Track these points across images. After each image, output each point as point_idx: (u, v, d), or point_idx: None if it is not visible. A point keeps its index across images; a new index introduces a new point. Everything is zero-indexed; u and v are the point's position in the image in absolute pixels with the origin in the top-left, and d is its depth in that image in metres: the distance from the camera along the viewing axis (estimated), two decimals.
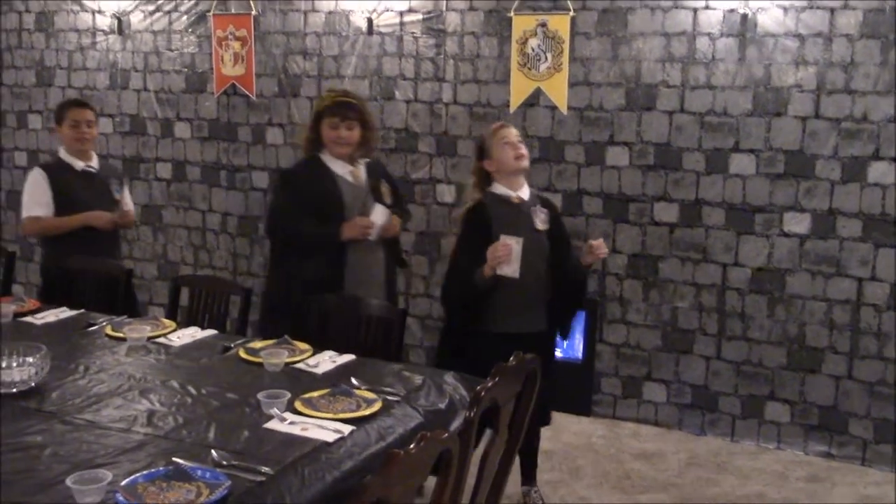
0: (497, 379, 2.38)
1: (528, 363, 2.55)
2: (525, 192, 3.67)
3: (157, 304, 6.11)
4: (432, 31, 5.20)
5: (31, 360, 2.75)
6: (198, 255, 6.06)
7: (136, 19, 6.01)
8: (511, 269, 3.40)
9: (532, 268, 3.50)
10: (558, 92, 4.92)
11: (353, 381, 2.87)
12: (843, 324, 4.54)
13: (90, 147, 4.53)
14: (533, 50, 4.95)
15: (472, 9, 5.09)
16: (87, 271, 4.16)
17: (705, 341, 4.83)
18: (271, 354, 3.05)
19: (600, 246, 3.57)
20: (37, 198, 4.34)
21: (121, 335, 3.31)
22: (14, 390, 2.69)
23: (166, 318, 3.64)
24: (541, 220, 3.57)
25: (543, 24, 4.91)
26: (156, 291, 6.19)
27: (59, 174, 4.40)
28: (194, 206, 6.02)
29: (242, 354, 3.13)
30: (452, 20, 5.14)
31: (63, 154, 4.49)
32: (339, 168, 3.85)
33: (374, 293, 3.79)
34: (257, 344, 3.23)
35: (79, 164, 4.47)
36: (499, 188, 3.64)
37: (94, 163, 4.55)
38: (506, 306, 3.55)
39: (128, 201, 4.70)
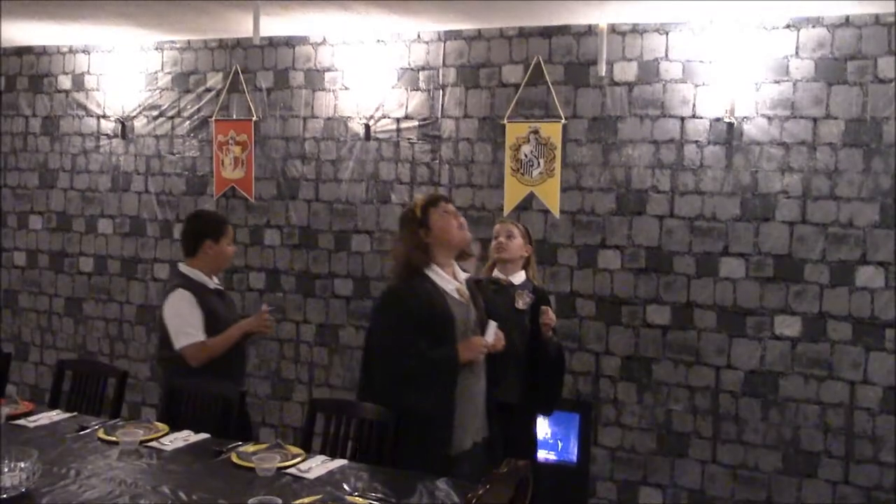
0: (489, 486, 2.39)
1: (519, 470, 2.56)
2: (517, 278, 4.14)
3: (151, 405, 6.09)
4: (428, 137, 5.35)
5: (22, 465, 2.74)
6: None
7: (140, 124, 6.17)
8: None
9: (508, 342, 3.65)
10: (551, 196, 5.03)
11: (345, 486, 2.86)
12: (838, 427, 4.53)
13: None
14: (526, 156, 5.08)
15: (466, 116, 5.25)
16: (203, 394, 3.81)
17: (700, 445, 4.81)
18: (263, 459, 3.05)
19: (546, 311, 3.96)
20: (192, 322, 3.95)
21: (113, 439, 3.30)
22: (4, 496, 2.68)
23: (159, 420, 3.63)
24: (522, 301, 3.98)
25: (536, 131, 5.05)
26: (148, 392, 6.16)
27: (201, 295, 4.04)
28: None
29: (234, 459, 3.12)
30: (447, 126, 5.30)
31: (194, 273, 4.10)
32: (447, 284, 3.44)
33: (479, 418, 3.49)
34: (249, 448, 3.23)
35: (211, 283, 4.15)
36: (496, 271, 4.17)
37: (218, 279, 4.28)
38: None
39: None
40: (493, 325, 3.47)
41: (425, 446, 3.28)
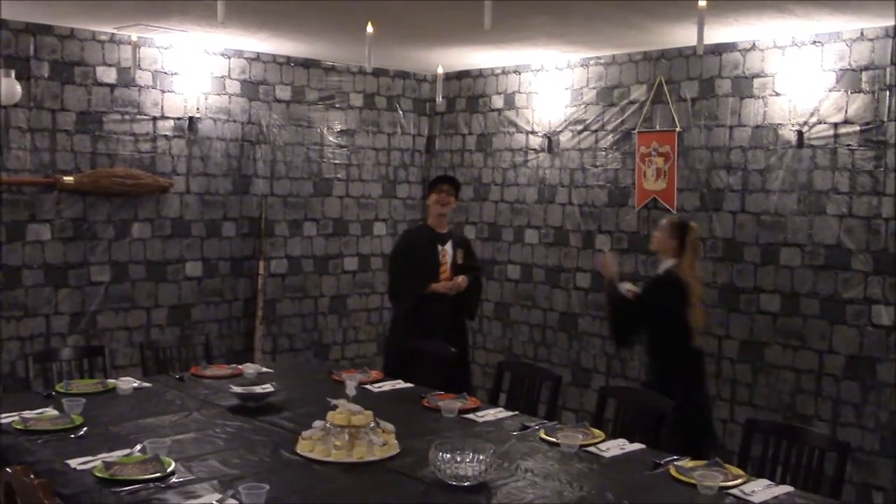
0: None
1: None
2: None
3: (571, 409, 6.31)
4: (871, 143, 4.91)
5: (481, 457, 2.97)
6: (611, 364, 6.17)
7: (565, 138, 6.43)
8: None
9: None
10: None
11: None
12: None
13: None
14: None
15: None
16: None
17: None
18: (705, 477, 2.99)
19: None
20: None
21: (554, 440, 3.45)
22: (466, 484, 2.93)
23: (592, 426, 3.72)
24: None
25: None
26: (568, 397, 6.38)
27: None
28: None
29: (674, 473, 3.10)
30: (894, 131, 4.82)
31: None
32: None
33: None
34: (688, 463, 3.19)
35: None
36: None
37: None
38: None
39: None
40: None
41: None
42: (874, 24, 4.82)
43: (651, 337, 4.59)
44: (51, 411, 3.69)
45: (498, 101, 6.93)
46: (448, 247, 5.32)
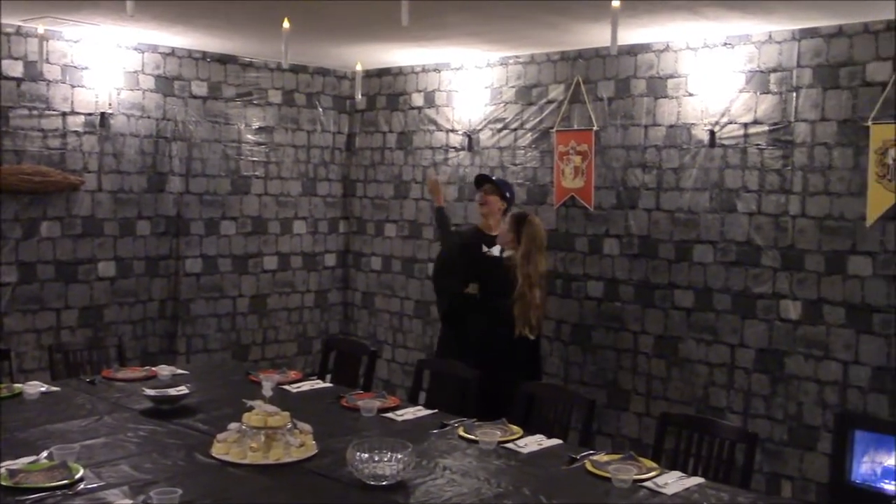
0: None
1: None
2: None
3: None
4: (779, 143, 5.06)
5: (399, 456, 2.96)
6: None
7: (485, 136, 6.47)
8: None
9: None
10: None
11: None
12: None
13: None
14: (894, 160, 4.63)
15: (823, 119, 4.90)
16: None
17: None
18: (619, 470, 3.04)
19: None
20: None
21: (472, 437, 3.47)
22: (384, 483, 2.92)
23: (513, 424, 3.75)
24: None
25: None
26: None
27: None
28: None
29: (589, 467, 3.15)
30: (801, 130, 4.98)
31: None
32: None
33: None
34: (603, 457, 3.24)
35: None
36: None
37: None
38: None
39: None
40: None
41: None
42: (782, 26, 4.97)
43: (479, 317, 5.09)
44: None
45: (418, 99, 6.93)
46: (495, 250, 5.26)
